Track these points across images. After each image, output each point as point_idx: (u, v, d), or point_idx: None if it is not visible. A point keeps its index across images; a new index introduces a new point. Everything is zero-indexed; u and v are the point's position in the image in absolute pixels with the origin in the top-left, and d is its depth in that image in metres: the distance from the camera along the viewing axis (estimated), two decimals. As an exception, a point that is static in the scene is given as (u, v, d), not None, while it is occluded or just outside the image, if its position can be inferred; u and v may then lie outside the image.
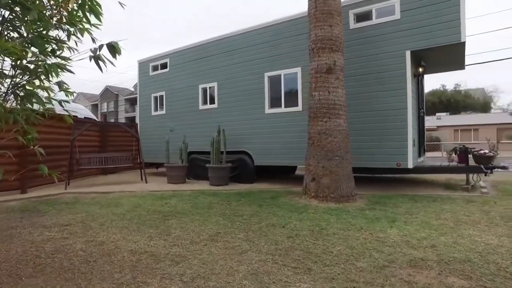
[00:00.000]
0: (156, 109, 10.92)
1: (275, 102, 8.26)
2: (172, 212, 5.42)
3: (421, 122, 7.98)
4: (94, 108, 53.24)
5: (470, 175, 6.80)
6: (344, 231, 4.07)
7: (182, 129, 9.95)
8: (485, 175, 6.63)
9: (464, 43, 6.01)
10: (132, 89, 48.15)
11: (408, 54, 6.38)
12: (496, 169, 6.59)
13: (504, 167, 6.64)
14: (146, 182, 9.01)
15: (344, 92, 6.02)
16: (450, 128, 32.52)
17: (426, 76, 8.59)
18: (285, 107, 8.06)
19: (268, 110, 8.32)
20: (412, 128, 6.51)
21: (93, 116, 12.59)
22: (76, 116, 11.22)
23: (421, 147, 7.95)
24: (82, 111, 12.07)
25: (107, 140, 11.53)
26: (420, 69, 7.16)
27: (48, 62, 2.35)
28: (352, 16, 7.05)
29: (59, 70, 2.31)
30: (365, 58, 6.87)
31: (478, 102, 39.28)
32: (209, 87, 9.45)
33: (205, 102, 9.60)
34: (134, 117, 42.00)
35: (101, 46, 2.37)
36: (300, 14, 7.63)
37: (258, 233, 4.10)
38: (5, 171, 7.40)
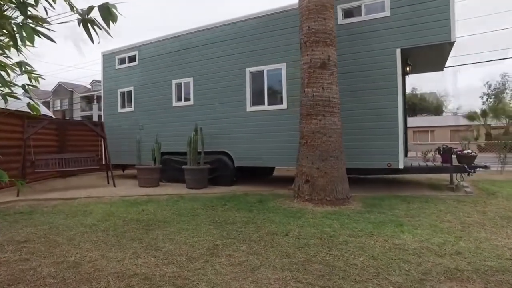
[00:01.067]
0: (123, 106, 9.95)
1: (257, 100, 7.80)
2: (153, 221, 4.75)
3: (405, 122, 8.00)
4: (46, 105, 49.05)
5: (454, 175, 6.87)
6: (355, 238, 3.73)
7: (154, 128, 9.13)
8: (468, 174, 6.72)
9: (453, 43, 6.01)
10: (89, 86, 45.06)
11: (398, 52, 6.27)
12: (478, 169, 6.70)
13: (486, 167, 6.78)
14: (115, 186, 8.11)
15: (338, 89, 5.74)
16: (409, 130, 34.24)
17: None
18: (268, 104, 7.64)
19: (249, 108, 7.85)
20: (402, 128, 6.41)
21: (49, 113, 11.23)
22: (29, 113, 9.92)
23: (406, 147, 7.98)
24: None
25: (67, 140, 10.34)
26: (407, 68, 7.14)
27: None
28: (340, 11, 6.81)
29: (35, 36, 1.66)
30: (354, 55, 6.66)
31: (432, 105, 41.93)
32: (184, 83, 8.75)
33: (179, 99, 8.88)
34: (91, 116, 39.24)
35: (90, 8, 1.76)
36: (286, 7, 7.26)
37: (261, 243, 3.61)
38: None
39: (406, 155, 7.74)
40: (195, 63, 8.56)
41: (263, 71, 7.66)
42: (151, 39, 9.37)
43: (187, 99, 8.73)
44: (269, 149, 7.55)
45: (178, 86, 8.87)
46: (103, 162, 8.55)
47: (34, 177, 8.13)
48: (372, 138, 6.49)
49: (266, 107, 7.66)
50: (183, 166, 7.83)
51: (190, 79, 8.62)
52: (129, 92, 9.77)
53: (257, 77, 7.78)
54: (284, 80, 7.39)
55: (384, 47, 6.39)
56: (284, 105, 7.38)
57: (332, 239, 3.69)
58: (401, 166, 6.27)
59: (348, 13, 6.83)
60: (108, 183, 8.53)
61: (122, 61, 9.96)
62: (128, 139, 9.34)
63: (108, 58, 10.20)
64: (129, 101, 9.80)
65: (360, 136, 6.58)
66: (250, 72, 7.82)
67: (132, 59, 9.72)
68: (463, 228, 4.07)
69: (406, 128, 8.09)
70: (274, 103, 7.56)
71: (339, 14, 6.82)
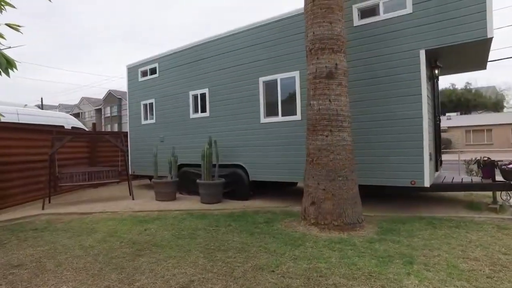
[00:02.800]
0: (146, 118, 10.15)
1: (271, 110, 7.41)
2: (149, 244, 4.62)
3: (438, 132, 7.07)
4: (98, 112, 53.09)
5: (498, 192, 5.87)
6: (348, 280, 3.21)
7: (173, 140, 9.18)
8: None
9: (491, 39, 5.11)
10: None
11: (422, 53, 5.49)
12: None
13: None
14: (133, 199, 8.24)
15: (348, 100, 5.16)
16: (461, 129, 31.24)
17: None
18: (282, 115, 7.21)
19: (263, 119, 7.48)
20: (428, 140, 5.61)
21: (81, 126, 11.90)
22: (63, 127, 10.57)
23: (438, 160, 7.04)
24: (70, 120, 11.39)
25: (97, 152, 10.82)
26: (436, 71, 6.26)
27: None
28: (356, 11, 6.18)
29: None
30: (372, 59, 5.99)
31: (490, 101, 37.78)
32: (200, 94, 8.65)
33: (196, 111, 8.79)
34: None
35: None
36: (297, 11, 6.78)
37: (240, 282, 3.26)
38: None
39: (437, 169, 6.83)
40: (210, 73, 8.40)
41: (276, 80, 7.26)
42: (170, 50, 9.42)
43: (203, 110, 8.61)
44: (284, 162, 7.12)
45: (195, 97, 8.79)
46: (125, 174, 8.71)
47: (66, 188, 8.59)
48: (393, 152, 5.78)
49: (280, 118, 7.24)
50: (197, 180, 7.70)
51: (206, 90, 8.49)
52: (151, 104, 9.93)
53: (270, 86, 7.40)
54: (298, 89, 6.91)
55: (405, 48, 5.65)
56: (298, 116, 6.91)
57: (320, 281, 3.21)
58: (426, 184, 5.49)
59: (364, 13, 6.17)
60: (130, 194, 8.72)
61: (144, 74, 10.17)
62: (150, 150, 9.47)
63: (132, 70, 10.49)
64: (151, 113, 9.97)
65: (379, 149, 5.90)
66: (263, 82, 7.46)
67: (153, 71, 9.87)
68: (492, 272, 3.32)
69: (439, 138, 7.14)
70: (288, 114, 7.12)
71: (355, 15, 6.19)
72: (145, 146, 9.95)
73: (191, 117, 8.86)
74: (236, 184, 7.85)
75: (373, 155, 5.93)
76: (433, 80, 6.45)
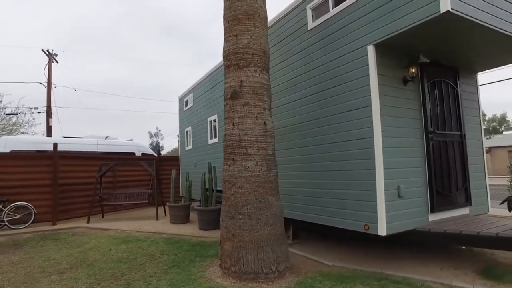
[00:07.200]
0: (187, 144, 11.02)
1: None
2: (82, 262, 5.08)
3: (460, 153, 4.82)
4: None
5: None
6: None
7: (202, 165, 9.60)
8: None
9: (453, 13, 3.29)
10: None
11: (371, 50, 4.01)
12: None
13: None
14: (157, 219, 9.03)
15: (261, 122, 4.26)
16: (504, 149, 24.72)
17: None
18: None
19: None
20: (390, 167, 3.96)
21: (152, 152, 13.89)
22: (134, 154, 12.67)
23: (463, 192, 4.73)
24: (141, 148, 13.51)
25: (159, 175, 12.35)
26: (412, 70, 4.26)
27: None
28: (310, 12, 5.12)
29: None
30: (322, 67, 4.80)
31: None
32: (213, 120, 8.81)
33: (212, 136, 8.98)
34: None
35: None
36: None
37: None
38: (41, 205, 8.77)
39: (455, 202, 4.60)
40: (219, 99, 8.48)
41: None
42: (200, 79, 9.98)
43: (215, 136, 8.73)
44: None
45: (211, 123, 9.02)
46: (154, 197, 9.55)
47: (120, 208, 10.23)
48: (343, 185, 4.36)
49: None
50: (195, 207, 7.79)
51: (216, 116, 8.61)
52: (188, 132, 10.75)
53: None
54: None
55: (354, 47, 4.28)
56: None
57: None
58: (382, 232, 3.83)
59: (318, 12, 5.03)
60: (165, 214, 9.58)
61: (186, 103, 11.15)
62: (191, 175, 10.18)
63: (180, 101, 11.69)
64: (190, 139, 10.76)
65: (330, 181, 4.56)
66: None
67: (190, 101, 10.72)
68: None
69: (464, 162, 4.81)
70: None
71: (309, 16, 5.14)
72: (187, 170, 10.76)
73: (208, 142, 9.10)
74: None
75: (322, 187, 4.64)
76: (410, 81, 4.39)
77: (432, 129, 4.43)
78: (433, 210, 4.32)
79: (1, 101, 21.79)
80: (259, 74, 4.35)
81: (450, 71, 4.88)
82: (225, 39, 4.52)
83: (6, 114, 22.04)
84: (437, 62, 4.59)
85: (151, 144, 36.49)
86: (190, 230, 7.56)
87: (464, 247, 4.73)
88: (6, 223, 7.98)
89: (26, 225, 8.14)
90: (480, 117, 5.41)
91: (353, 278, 3.92)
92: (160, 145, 36.27)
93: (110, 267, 4.88)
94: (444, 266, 4.17)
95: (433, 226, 4.18)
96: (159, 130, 36.50)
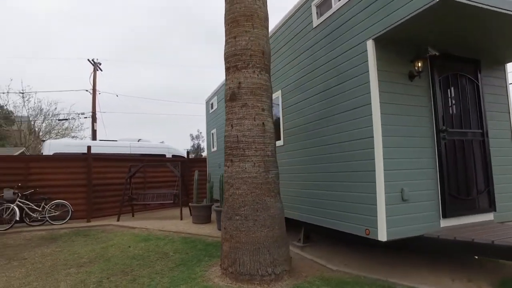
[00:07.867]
0: (213, 146, 11.26)
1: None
2: (101, 257, 5.43)
3: (482, 153, 4.37)
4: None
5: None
6: None
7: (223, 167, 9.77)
8: None
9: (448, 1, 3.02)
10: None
11: (370, 45, 3.82)
12: None
13: None
14: (181, 219, 9.33)
15: (259, 123, 4.24)
16: None
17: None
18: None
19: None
20: (391, 168, 3.73)
21: (182, 154, 14.32)
22: (164, 155, 13.21)
23: (486, 195, 4.28)
24: (171, 149, 14.01)
25: (186, 175, 12.77)
26: (419, 64, 3.91)
27: None
28: (315, 9, 4.99)
29: None
30: (325, 66, 4.66)
31: None
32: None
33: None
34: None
35: None
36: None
37: None
38: (77, 203, 9.55)
39: (476, 207, 4.17)
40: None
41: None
42: (223, 81, 10.17)
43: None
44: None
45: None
46: (179, 198, 9.83)
47: (150, 207, 10.73)
48: (344, 187, 4.19)
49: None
50: (214, 207, 7.96)
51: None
52: (213, 134, 10.98)
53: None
54: (281, 109, 6.13)
55: (354, 43, 4.10)
56: (281, 141, 6.07)
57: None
58: (382, 237, 3.61)
59: (322, 9, 4.89)
60: (190, 215, 9.88)
61: (212, 106, 11.40)
62: (214, 175, 10.42)
63: (207, 103, 11.98)
64: (214, 142, 10.99)
65: (333, 182, 4.40)
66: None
67: (215, 103, 10.95)
68: None
69: (487, 163, 4.33)
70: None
71: (314, 14, 5.01)
72: (212, 171, 11.01)
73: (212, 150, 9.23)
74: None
75: (327, 189, 4.49)
76: (416, 76, 4.04)
77: (444, 127, 4.09)
78: (445, 215, 3.98)
79: (55, 108, 24.03)
80: (258, 75, 4.34)
81: (468, 64, 4.47)
82: (225, 41, 4.58)
83: (59, 119, 24.20)
84: (451, 55, 4.24)
85: (192, 146, 37.78)
86: (208, 230, 7.73)
87: (476, 257, 4.29)
88: (48, 219, 8.76)
89: (64, 221, 8.87)
90: (510, 113, 4.89)
91: (353, 285, 3.75)
92: (201, 146, 37.27)
93: (123, 263, 5.16)
94: (456, 277, 3.82)
95: (445, 232, 3.86)
96: (200, 133, 37.52)
